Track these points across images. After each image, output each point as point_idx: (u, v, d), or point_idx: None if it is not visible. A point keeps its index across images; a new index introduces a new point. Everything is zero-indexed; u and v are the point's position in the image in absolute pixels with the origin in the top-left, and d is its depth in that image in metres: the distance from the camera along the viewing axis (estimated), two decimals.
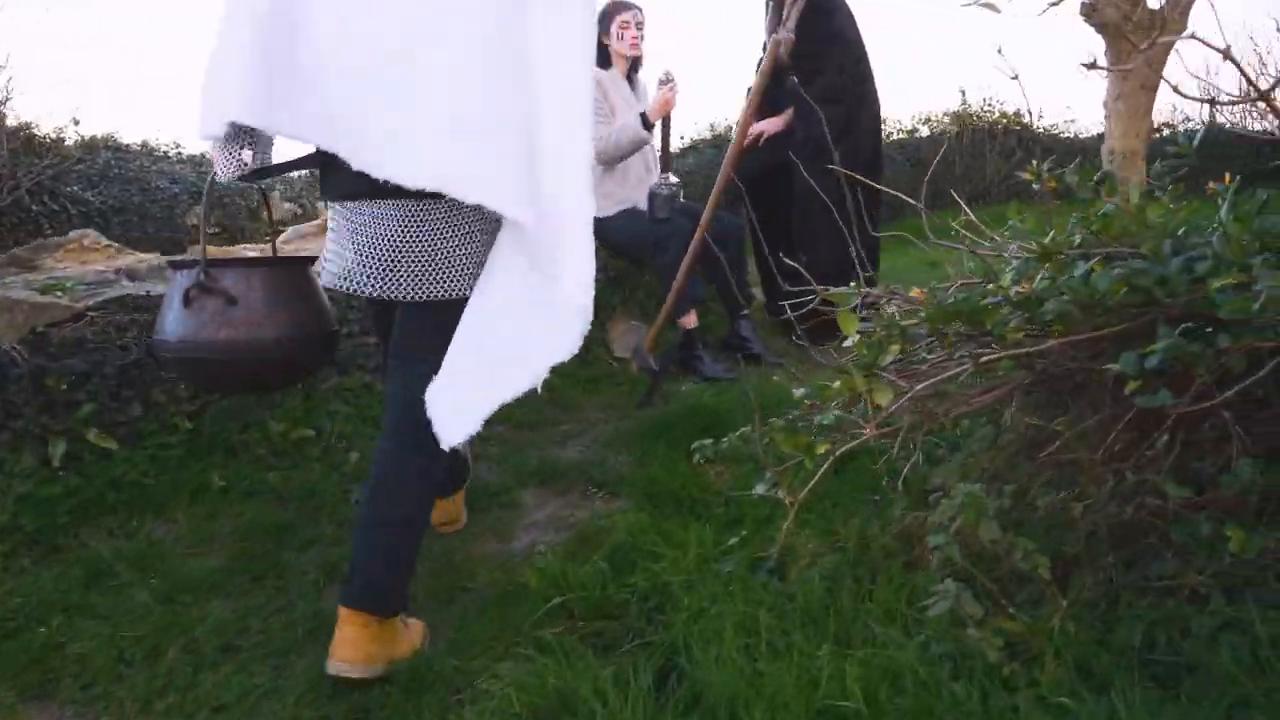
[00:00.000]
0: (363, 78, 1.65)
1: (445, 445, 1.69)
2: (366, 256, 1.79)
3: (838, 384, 1.88)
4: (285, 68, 1.63)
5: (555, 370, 1.67)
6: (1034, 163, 1.90)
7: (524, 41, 1.71)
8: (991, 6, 1.62)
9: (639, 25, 3.95)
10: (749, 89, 3.04)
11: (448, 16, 1.69)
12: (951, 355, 1.86)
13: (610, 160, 3.84)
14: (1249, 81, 1.46)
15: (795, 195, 4.06)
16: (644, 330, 3.78)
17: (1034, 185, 1.90)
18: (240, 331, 1.91)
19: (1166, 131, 9.45)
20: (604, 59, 4.00)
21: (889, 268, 4.92)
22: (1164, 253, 1.67)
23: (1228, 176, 1.61)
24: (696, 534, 2.10)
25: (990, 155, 9.84)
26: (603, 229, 3.99)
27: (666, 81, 3.72)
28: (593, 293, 1.68)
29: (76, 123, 6.56)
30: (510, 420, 3.17)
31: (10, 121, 6.27)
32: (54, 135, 6.51)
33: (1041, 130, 10.02)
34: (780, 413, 2.01)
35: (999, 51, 1.77)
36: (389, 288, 1.78)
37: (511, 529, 2.46)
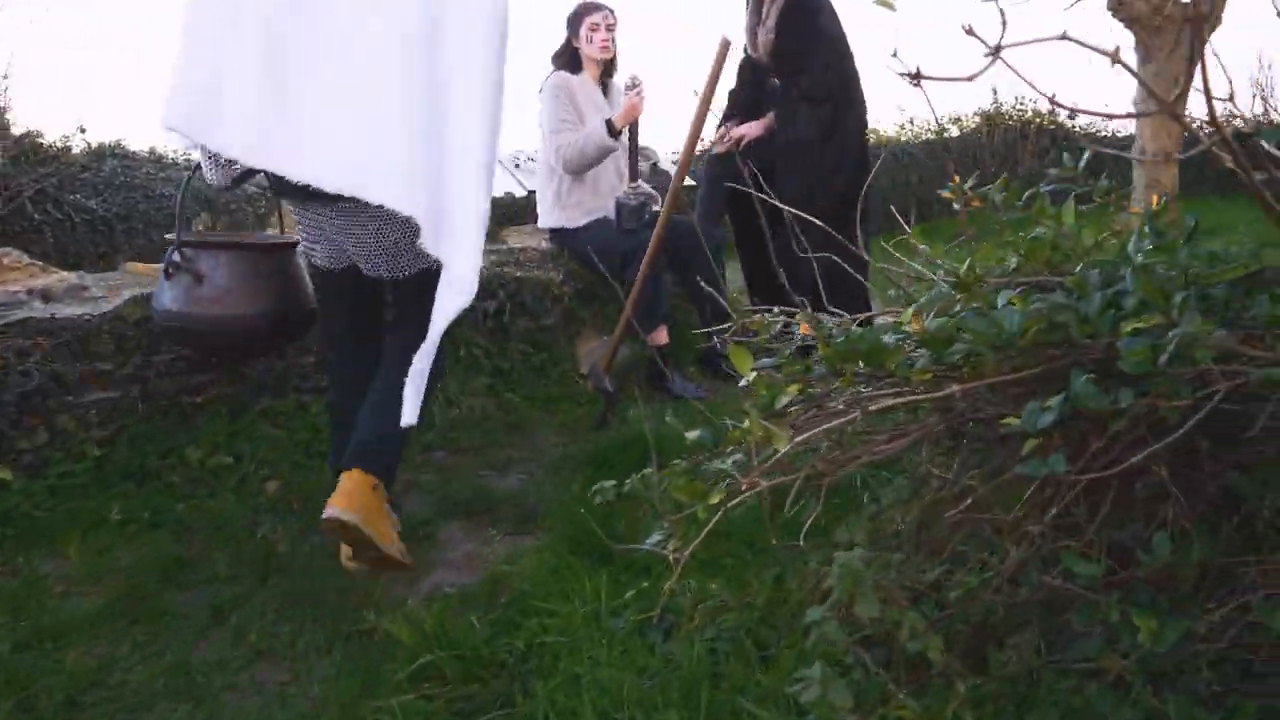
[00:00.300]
0: (284, 93, 1.86)
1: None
2: (348, 246, 2.21)
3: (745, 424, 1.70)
4: (216, 84, 1.85)
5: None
6: (955, 179, 1.69)
7: (439, 51, 1.93)
8: (887, 4, 1.43)
9: (609, 28, 3.76)
10: (695, 91, 2.86)
11: (366, 28, 1.89)
12: (858, 398, 1.67)
13: (577, 169, 3.67)
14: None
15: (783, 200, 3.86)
16: (627, 347, 3.60)
17: (954, 205, 1.70)
18: (207, 307, 2.28)
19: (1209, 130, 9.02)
20: (575, 63, 3.83)
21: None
22: (1089, 285, 1.46)
23: (1156, 198, 1.40)
24: (594, 585, 1.93)
25: (1023, 155, 9.50)
26: (572, 240, 3.83)
27: (633, 86, 3.55)
28: (476, 272, 1.91)
29: (83, 130, 6.53)
30: (454, 444, 3.02)
31: (17, 129, 6.29)
32: (60, 143, 6.50)
33: (1078, 129, 9.64)
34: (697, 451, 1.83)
35: (967, 28, 1.56)
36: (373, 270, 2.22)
37: (424, 567, 2.31)
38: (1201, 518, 1.48)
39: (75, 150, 6.61)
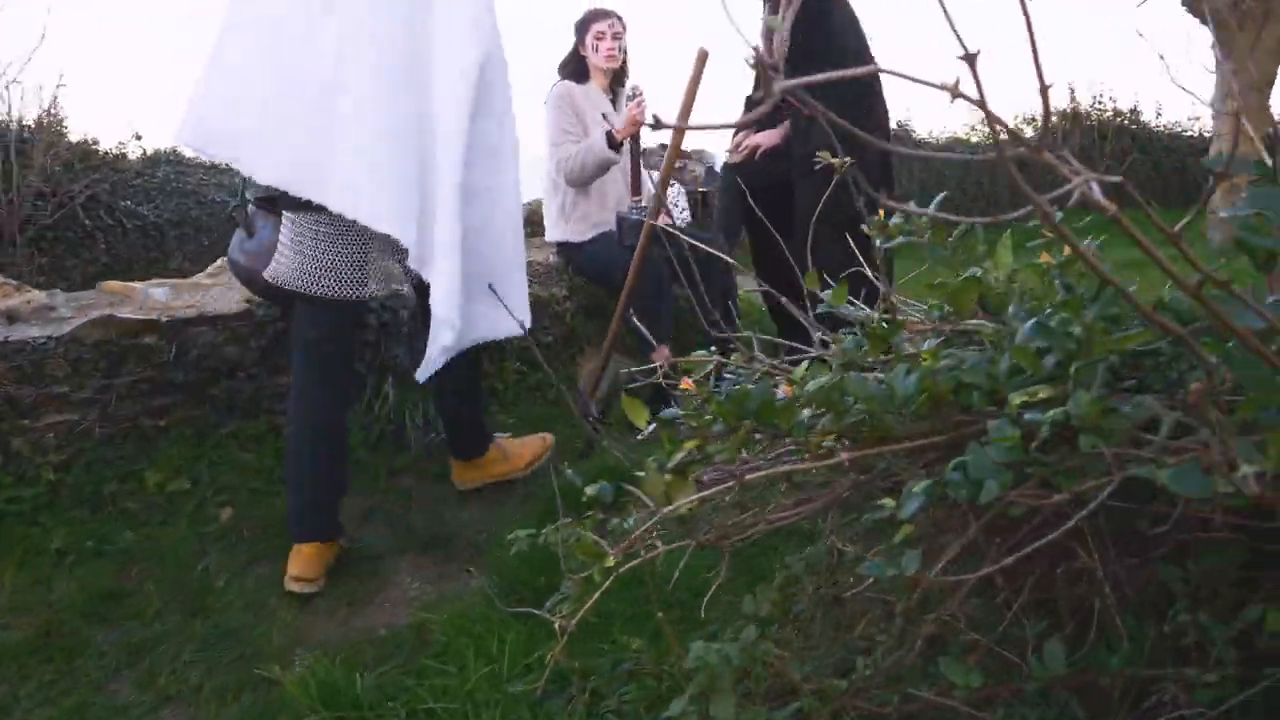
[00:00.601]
0: (294, 121, 2.07)
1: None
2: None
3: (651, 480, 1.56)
4: (242, 107, 2.09)
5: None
6: (881, 211, 1.51)
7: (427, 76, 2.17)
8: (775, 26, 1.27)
9: (616, 36, 3.63)
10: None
11: (363, 56, 2.09)
12: (765, 456, 1.51)
13: (578, 181, 3.55)
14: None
15: (794, 217, 3.68)
16: (616, 367, 3.47)
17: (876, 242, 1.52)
18: (252, 260, 2.27)
19: None
20: (581, 72, 3.70)
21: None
22: (1003, 342, 1.28)
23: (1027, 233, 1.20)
24: (514, 638, 1.81)
25: (1101, 157, 9.03)
26: (577, 254, 3.71)
27: (633, 97, 3.41)
28: (453, 305, 2.17)
29: (138, 137, 6.66)
30: (425, 470, 2.93)
31: (73, 137, 6.45)
32: (116, 150, 6.65)
33: (1161, 128, 9.13)
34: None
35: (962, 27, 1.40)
36: None
37: (362, 607, 2.22)
38: (1139, 612, 1.29)
39: (131, 157, 6.75)
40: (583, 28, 3.67)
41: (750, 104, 3.98)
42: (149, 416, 2.63)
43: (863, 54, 3.68)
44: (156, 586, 2.24)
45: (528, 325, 2.37)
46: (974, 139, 9.69)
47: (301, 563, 2.25)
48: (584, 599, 1.65)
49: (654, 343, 3.42)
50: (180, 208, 6.70)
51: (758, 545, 2.00)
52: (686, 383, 1.50)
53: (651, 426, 1.57)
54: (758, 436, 1.48)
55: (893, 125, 9.92)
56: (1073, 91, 9.26)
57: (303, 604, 2.21)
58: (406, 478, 2.87)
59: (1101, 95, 9.05)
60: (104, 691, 1.90)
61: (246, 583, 2.29)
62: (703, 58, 2.67)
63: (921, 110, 10.23)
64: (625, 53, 3.73)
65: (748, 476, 1.32)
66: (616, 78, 3.77)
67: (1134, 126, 9.09)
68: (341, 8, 2.11)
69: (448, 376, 2.36)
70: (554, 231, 3.78)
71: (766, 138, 3.80)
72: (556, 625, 1.61)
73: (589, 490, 1.67)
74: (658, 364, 3.48)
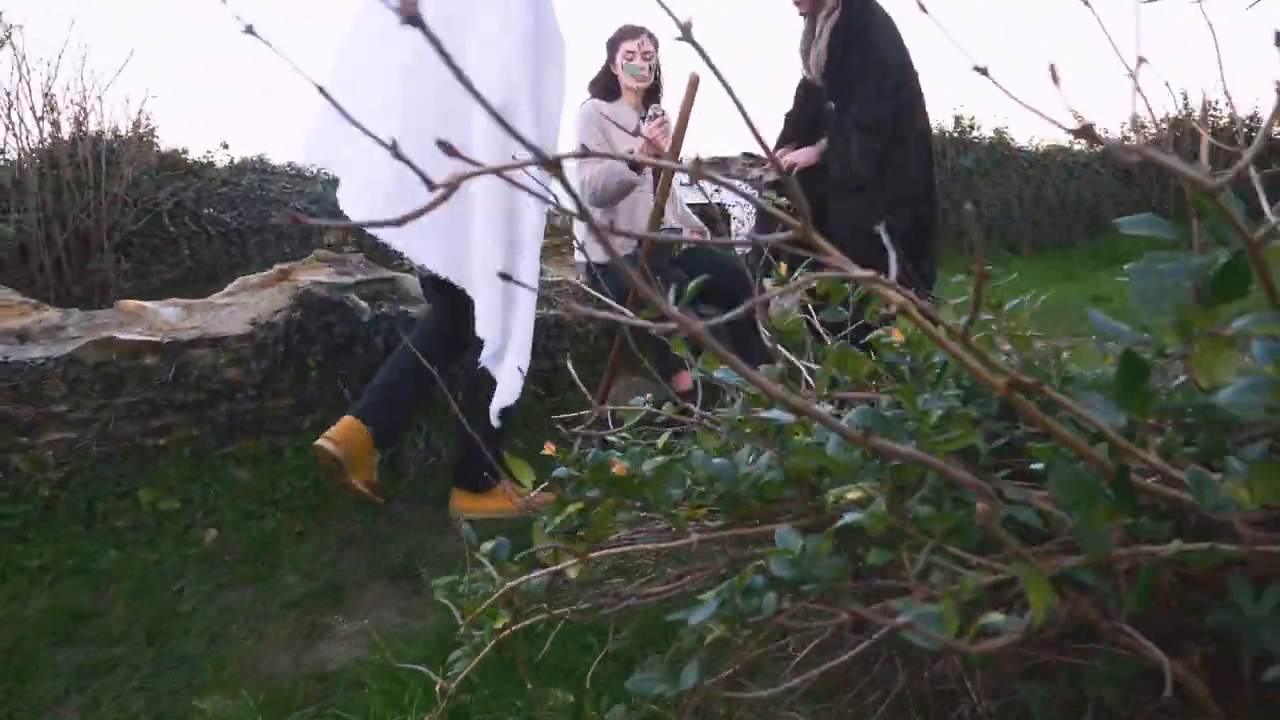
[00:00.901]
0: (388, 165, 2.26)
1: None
2: None
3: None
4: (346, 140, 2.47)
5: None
6: (779, 267, 1.40)
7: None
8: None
9: (646, 55, 3.54)
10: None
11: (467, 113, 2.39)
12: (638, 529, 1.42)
13: (600, 203, 3.48)
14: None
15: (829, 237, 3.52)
16: (631, 390, 3.40)
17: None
18: None
19: None
20: (612, 90, 3.64)
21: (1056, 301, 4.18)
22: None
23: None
24: (400, 697, 1.76)
25: (1218, 168, 8.45)
26: (604, 274, 3.65)
27: (653, 118, 3.33)
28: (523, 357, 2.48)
29: (225, 146, 6.91)
30: (423, 495, 2.91)
31: (162, 147, 6.73)
32: (203, 159, 6.92)
33: None
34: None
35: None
36: None
37: (320, 639, 2.21)
38: None
39: (218, 165, 7.01)
40: (613, 45, 3.61)
41: (789, 121, 3.85)
42: (148, 436, 2.69)
43: (905, 67, 3.50)
44: (125, 608, 2.28)
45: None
46: (1076, 147, 9.25)
47: (344, 429, 2.56)
48: (473, 657, 1.59)
49: (676, 367, 3.36)
50: (263, 214, 6.91)
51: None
52: (549, 447, 1.42)
53: (544, 485, 1.51)
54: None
55: (989, 134, 9.53)
56: (1185, 97, 8.71)
57: (261, 633, 2.21)
58: (399, 503, 2.86)
59: (1217, 100, 8.47)
60: (48, 714, 1.93)
61: (213, 609, 2.30)
62: (694, 84, 2.57)
63: (1020, 118, 9.78)
64: (658, 70, 3.64)
65: (591, 555, 1.24)
66: (651, 95, 3.69)
67: (1254, 134, 8.46)
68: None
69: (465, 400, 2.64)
70: (582, 251, 3.73)
71: (802, 155, 3.66)
72: (438, 688, 1.56)
73: (484, 547, 1.61)
74: (680, 389, 3.40)
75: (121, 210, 6.09)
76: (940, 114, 9.62)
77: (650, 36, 3.58)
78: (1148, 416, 0.84)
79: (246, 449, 2.82)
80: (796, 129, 3.82)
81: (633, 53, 3.55)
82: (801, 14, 3.63)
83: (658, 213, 2.83)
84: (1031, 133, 9.47)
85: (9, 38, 5.65)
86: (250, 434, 2.84)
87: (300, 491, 2.75)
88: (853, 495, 0.92)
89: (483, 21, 2.47)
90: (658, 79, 3.66)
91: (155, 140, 6.63)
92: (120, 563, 2.46)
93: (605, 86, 3.65)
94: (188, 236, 6.49)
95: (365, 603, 2.36)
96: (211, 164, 6.98)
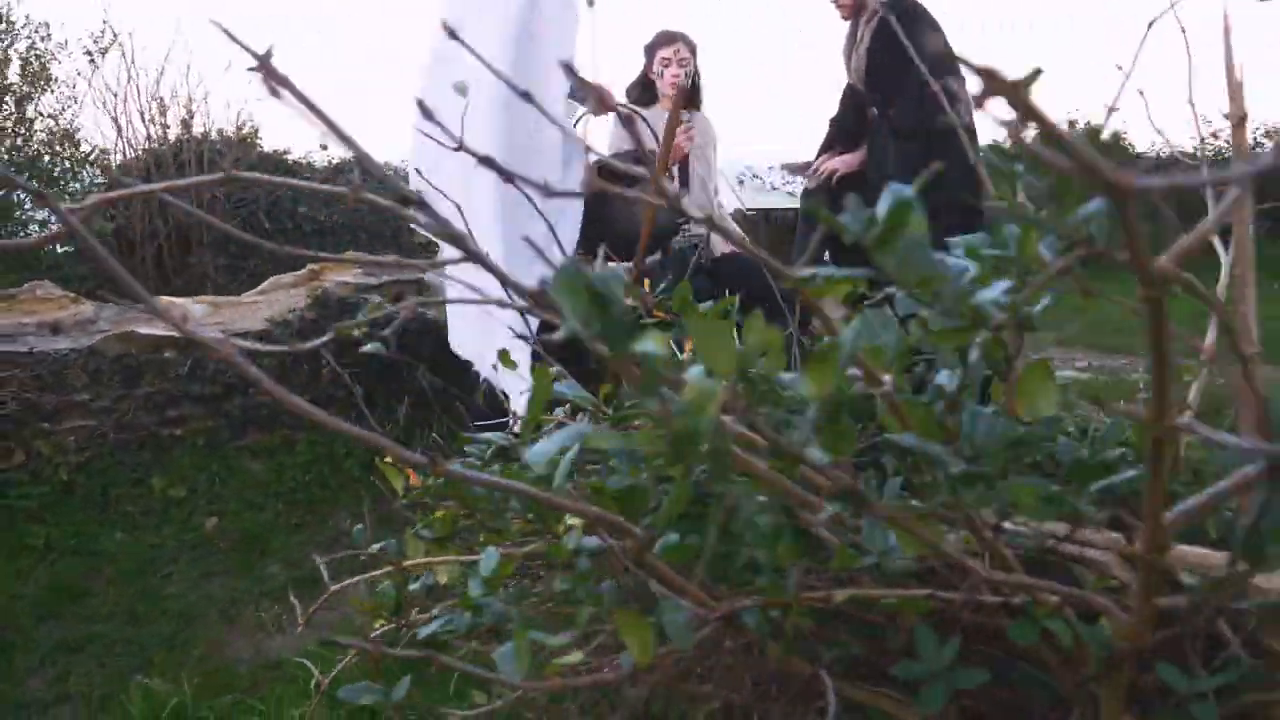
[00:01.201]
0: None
1: None
2: None
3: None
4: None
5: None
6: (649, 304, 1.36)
7: None
8: None
9: (682, 63, 3.50)
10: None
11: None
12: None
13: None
14: None
15: None
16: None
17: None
18: None
19: None
20: (649, 95, 3.61)
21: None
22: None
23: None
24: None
25: None
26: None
27: (688, 125, 3.29)
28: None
29: (324, 147, 7.20)
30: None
31: (264, 148, 7.08)
32: (303, 159, 7.23)
33: None
34: None
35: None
36: None
37: (288, 630, 2.27)
38: None
39: (317, 166, 7.32)
40: (650, 51, 3.58)
41: (834, 125, 3.74)
42: (164, 426, 2.82)
43: (954, 69, 3.35)
44: (116, 589, 2.40)
45: None
46: (1205, 153, 8.64)
47: None
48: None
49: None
50: (355, 213, 7.17)
51: None
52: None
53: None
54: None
55: (1105, 136, 9.07)
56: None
57: (234, 618, 2.29)
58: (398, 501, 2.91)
59: None
60: (20, 686, 2.05)
61: (196, 593, 2.40)
62: (681, 92, 2.53)
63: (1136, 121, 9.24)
64: (695, 76, 3.60)
65: (405, 563, 1.23)
66: (690, 101, 3.65)
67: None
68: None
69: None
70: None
71: (844, 162, 3.56)
72: (313, 683, 1.58)
73: (373, 548, 1.62)
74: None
75: (222, 208, 6.42)
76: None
77: (686, 42, 3.55)
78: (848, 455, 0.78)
79: (261, 442, 2.93)
80: (841, 134, 3.71)
81: (668, 59, 3.52)
82: (844, 17, 3.53)
83: (647, 230, 2.79)
84: (1151, 138, 8.96)
85: (118, 41, 6.05)
86: (264, 428, 2.95)
87: (303, 485, 2.84)
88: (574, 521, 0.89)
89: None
90: (696, 85, 3.62)
91: (258, 141, 6.97)
92: (123, 545, 2.59)
93: (640, 92, 3.63)
94: (283, 233, 6.78)
95: (344, 601, 2.41)
96: (311, 164, 7.29)
